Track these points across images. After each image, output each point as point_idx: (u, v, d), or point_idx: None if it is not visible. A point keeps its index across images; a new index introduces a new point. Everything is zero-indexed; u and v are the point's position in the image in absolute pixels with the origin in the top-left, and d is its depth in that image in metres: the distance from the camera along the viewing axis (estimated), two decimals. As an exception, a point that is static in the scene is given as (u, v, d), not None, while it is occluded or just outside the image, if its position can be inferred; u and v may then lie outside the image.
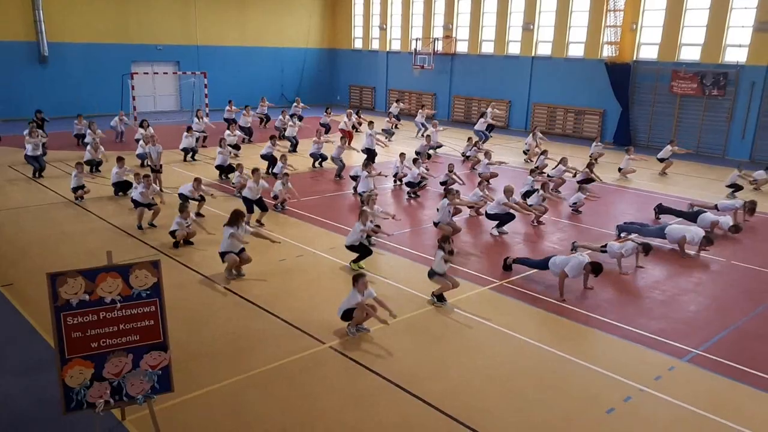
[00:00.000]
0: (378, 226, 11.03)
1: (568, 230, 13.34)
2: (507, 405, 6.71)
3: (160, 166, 16.00)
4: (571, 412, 6.60)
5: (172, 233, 11.34)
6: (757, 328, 8.83)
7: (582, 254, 9.91)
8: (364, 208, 10.97)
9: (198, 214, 13.05)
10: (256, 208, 12.93)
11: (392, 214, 12.13)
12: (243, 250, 9.95)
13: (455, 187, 13.85)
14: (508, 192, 12.61)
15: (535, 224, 13.51)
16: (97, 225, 12.67)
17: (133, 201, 12.64)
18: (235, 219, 9.81)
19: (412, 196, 15.56)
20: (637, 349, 8.04)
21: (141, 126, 19.42)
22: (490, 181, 15.46)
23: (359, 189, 14.86)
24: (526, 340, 8.16)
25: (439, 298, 9.17)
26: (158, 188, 13.37)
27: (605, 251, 11.05)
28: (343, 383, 7.06)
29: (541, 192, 13.76)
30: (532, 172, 15.29)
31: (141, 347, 5.66)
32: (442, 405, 6.60)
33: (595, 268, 9.50)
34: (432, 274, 9.16)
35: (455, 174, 15.60)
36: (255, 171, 12.52)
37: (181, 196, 13.02)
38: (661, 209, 14.17)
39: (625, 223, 12.82)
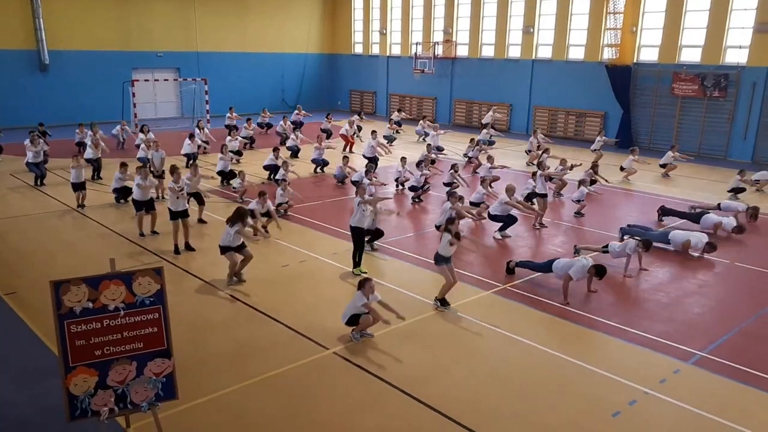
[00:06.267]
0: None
1: (570, 233, 13.32)
2: (512, 409, 6.69)
3: (163, 171, 16.01)
4: (576, 415, 6.58)
5: (172, 214, 11.40)
6: (762, 330, 8.80)
7: (586, 257, 9.89)
8: (363, 183, 11.17)
9: (200, 221, 13.08)
10: None
11: (397, 210, 12.83)
12: (244, 246, 9.93)
13: (459, 190, 13.85)
14: (510, 191, 12.60)
15: (538, 227, 13.49)
16: (99, 232, 12.68)
17: (134, 201, 12.49)
18: (239, 217, 9.73)
19: (416, 200, 15.56)
20: (642, 352, 8.01)
21: (141, 131, 19.50)
22: (492, 184, 15.44)
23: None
24: (530, 343, 8.14)
25: (443, 302, 9.15)
26: (156, 182, 13.50)
27: (607, 251, 11.04)
28: (348, 389, 7.04)
29: (540, 173, 13.89)
30: (533, 175, 15.25)
31: (145, 354, 5.64)
32: (446, 409, 6.58)
33: (599, 271, 9.48)
34: (438, 259, 9.12)
35: (459, 175, 15.60)
36: (261, 195, 12.47)
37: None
38: (664, 211, 14.15)
39: (628, 225, 12.80)
